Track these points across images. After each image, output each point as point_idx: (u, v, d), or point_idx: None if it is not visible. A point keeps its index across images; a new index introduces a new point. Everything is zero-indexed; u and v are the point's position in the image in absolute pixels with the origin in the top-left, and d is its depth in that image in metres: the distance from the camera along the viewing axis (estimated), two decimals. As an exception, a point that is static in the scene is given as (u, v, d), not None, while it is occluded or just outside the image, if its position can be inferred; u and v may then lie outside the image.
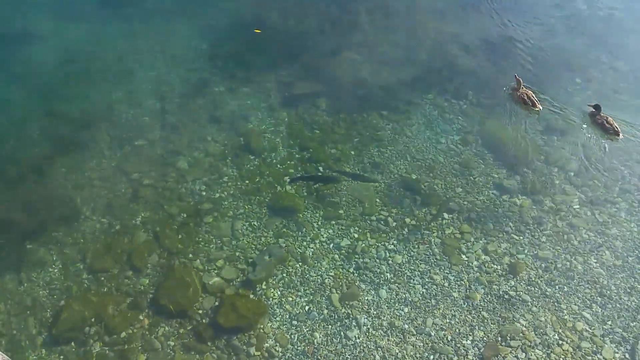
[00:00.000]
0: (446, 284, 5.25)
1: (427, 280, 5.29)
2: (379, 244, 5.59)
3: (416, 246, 5.58)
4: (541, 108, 6.99)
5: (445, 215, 5.89)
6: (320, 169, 6.37)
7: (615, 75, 7.71)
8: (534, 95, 7.03)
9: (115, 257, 5.43)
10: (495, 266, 5.41)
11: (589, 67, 7.83)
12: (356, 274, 5.34)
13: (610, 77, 7.69)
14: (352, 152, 6.59)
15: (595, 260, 5.43)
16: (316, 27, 8.43)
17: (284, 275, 5.32)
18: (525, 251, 5.53)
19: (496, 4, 8.98)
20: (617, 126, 6.68)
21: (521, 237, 5.67)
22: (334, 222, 5.81)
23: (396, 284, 5.24)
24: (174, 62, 7.86)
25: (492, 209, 5.96)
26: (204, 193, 6.10)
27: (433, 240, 5.64)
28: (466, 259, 5.47)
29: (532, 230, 5.74)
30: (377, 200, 6.04)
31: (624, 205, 5.96)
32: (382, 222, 5.81)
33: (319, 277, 5.31)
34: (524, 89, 7.11)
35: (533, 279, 5.29)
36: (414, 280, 5.28)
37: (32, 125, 6.82)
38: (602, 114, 6.79)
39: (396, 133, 6.84)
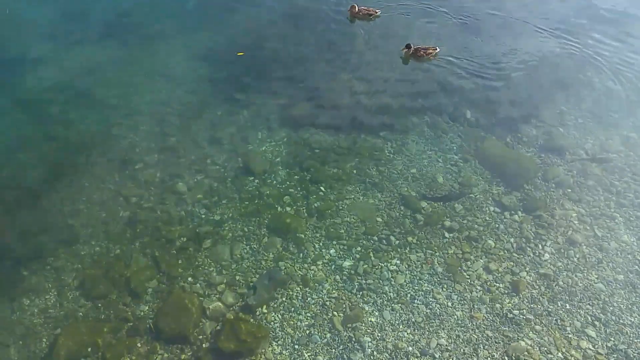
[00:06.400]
0: (449, 304, 5.21)
1: (430, 300, 5.25)
2: (382, 264, 5.56)
3: (419, 266, 5.56)
4: (378, 11, 9.25)
5: (447, 234, 5.89)
6: (322, 188, 6.37)
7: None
8: (369, 8, 9.28)
9: (113, 282, 5.33)
10: (497, 284, 5.39)
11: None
12: (359, 296, 5.28)
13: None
14: (354, 172, 6.62)
15: (597, 276, 5.44)
16: (314, 50, 8.59)
17: (285, 298, 5.24)
18: (527, 269, 5.53)
19: (490, 24, 9.25)
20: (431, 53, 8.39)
21: (522, 255, 5.68)
22: (335, 243, 5.78)
23: (400, 305, 5.19)
24: (173, 85, 7.92)
25: (493, 226, 5.99)
26: (203, 216, 6.06)
27: (436, 259, 5.62)
28: (468, 277, 5.45)
29: (533, 248, 5.75)
30: (379, 219, 6.04)
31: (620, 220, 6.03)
32: (384, 242, 5.80)
33: (321, 299, 5.24)
34: (361, 7, 9.26)
35: (535, 296, 5.27)
36: (417, 300, 5.24)
37: (30, 150, 6.79)
38: (417, 47, 8.35)
39: (395, 153, 6.89)
